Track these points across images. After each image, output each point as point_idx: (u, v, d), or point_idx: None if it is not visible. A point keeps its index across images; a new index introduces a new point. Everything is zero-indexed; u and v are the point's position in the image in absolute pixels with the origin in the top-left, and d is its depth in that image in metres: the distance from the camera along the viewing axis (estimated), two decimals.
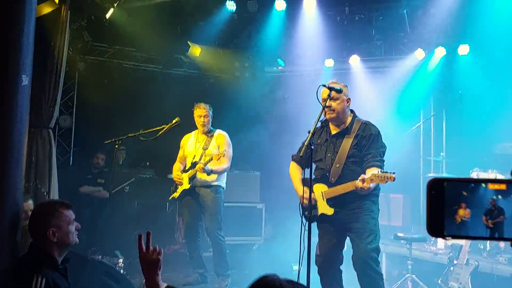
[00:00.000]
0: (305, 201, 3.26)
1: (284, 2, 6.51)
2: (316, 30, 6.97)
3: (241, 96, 7.68)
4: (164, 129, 4.97)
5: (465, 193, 0.84)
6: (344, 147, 3.34)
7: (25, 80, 2.83)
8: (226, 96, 7.58)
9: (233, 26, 6.95)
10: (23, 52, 2.85)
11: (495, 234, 0.83)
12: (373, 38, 7.13)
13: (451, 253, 4.69)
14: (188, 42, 6.95)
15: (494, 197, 0.83)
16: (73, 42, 6.39)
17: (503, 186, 0.83)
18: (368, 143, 3.30)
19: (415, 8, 6.58)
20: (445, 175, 6.84)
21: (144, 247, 1.99)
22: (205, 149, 4.71)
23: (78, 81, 7.19)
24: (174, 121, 4.98)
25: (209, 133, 4.82)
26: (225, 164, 4.63)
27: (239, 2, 6.46)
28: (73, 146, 7.19)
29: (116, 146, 5.04)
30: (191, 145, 4.86)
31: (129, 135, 5.08)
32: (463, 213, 0.83)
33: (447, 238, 0.85)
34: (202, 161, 4.59)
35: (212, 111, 4.87)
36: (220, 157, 4.42)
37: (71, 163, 7.13)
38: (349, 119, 3.44)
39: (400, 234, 5.10)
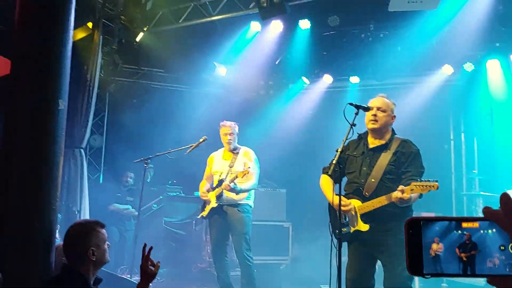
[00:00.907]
0: (344, 208, 3.18)
1: (308, 21, 6.57)
2: (341, 47, 6.99)
3: (266, 113, 7.74)
4: (192, 147, 5.05)
5: (438, 229, 0.87)
6: (381, 162, 3.24)
7: (62, 104, 2.95)
8: (251, 114, 7.65)
9: (258, 46, 7.05)
10: (60, 77, 2.97)
11: (468, 268, 0.85)
12: (399, 54, 7.09)
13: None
14: (214, 63, 7.09)
15: (467, 232, 0.86)
16: (104, 65, 6.62)
17: (476, 224, 0.86)
18: (407, 161, 3.21)
19: (441, 23, 6.51)
20: (478, 192, 6.66)
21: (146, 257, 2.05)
22: (231, 166, 4.73)
23: (108, 102, 7.41)
24: (201, 139, 5.06)
25: (235, 150, 4.85)
26: (252, 181, 4.63)
27: (264, 22, 6.55)
28: (103, 165, 7.36)
29: (145, 165, 5.14)
30: (217, 163, 4.89)
31: (158, 154, 5.19)
32: (436, 247, 0.86)
33: (426, 276, 0.87)
34: (228, 178, 4.61)
35: (238, 128, 4.90)
36: (245, 174, 4.42)
37: (101, 182, 7.29)
38: (388, 135, 3.35)
39: None
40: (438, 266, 0.86)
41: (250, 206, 4.76)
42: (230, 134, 4.78)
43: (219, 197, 4.65)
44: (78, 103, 5.56)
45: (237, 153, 4.80)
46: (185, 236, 6.85)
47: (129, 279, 5.13)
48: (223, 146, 5.09)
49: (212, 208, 4.69)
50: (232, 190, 4.47)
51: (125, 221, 6.56)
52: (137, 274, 5.53)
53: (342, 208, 3.16)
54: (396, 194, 2.97)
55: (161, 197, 6.83)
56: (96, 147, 7.31)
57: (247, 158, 4.77)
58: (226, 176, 4.68)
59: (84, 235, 2.54)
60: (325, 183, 3.49)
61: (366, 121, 3.35)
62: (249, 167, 4.53)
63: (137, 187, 6.95)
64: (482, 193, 6.49)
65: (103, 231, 2.62)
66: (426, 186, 2.93)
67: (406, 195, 2.94)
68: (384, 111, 3.29)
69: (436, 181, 2.94)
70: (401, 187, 2.98)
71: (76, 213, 5.52)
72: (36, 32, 2.95)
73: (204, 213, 4.80)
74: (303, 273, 6.57)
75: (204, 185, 4.93)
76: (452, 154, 7.51)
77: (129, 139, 7.35)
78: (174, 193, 7.00)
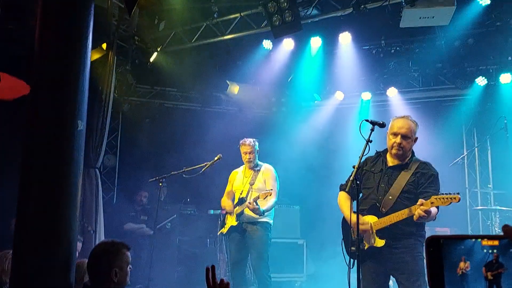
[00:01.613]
0: (362, 227, 3.16)
1: (320, 38, 6.62)
2: (352, 64, 7.02)
3: (278, 130, 7.76)
4: (207, 166, 5.07)
5: (462, 247, 0.88)
6: (400, 181, 3.26)
7: (81, 125, 2.99)
8: (264, 131, 7.67)
9: (270, 63, 7.11)
10: (79, 98, 3.02)
11: (494, 286, 0.86)
12: (410, 69, 7.11)
13: None
14: (227, 81, 7.15)
15: (495, 251, 0.87)
16: (118, 85, 6.71)
17: (495, 242, 0.88)
18: (426, 182, 3.23)
19: (452, 39, 6.53)
20: (494, 207, 6.56)
21: (211, 280, 2.00)
22: (251, 184, 4.74)
23: (122, 121, 7.48)
24: (216, 158, 5.08)
25: (256, 168, 4.86)
26: (272, 199, 4.63)
27: (276, 41, 6.63)
28: (117, 184, 7.40)
29: (160, 184, 5.16)
30: (238, 179, 4.90)
31: (173, 172, 5.20)
32: (464, 265, 0.87)
33: None
34: (249, 197, 4.61)
35: (257, 146, 4.92)
36: (267, 196, 4.42)
37: (115, 201, 7.32)
38: (409, 156, 3.38)
39: None
40: (463, 285, 0.86)
41: (270, 224, 4.75)
42: (250, 153, 4.81)
43: (239, 215, 4.65)
44: (93, 123, 5.62)
45: (258, 170, 4.82)
46: (200, 254, 6.83)
47: None
48: (238, 164, 5.11)
49: (232, 226, 4.68)
50: (255, 210, 4.45)
51: (140, 240, 6.55)
52: None
53: (360, 227, 3.14)
54: (416, 207, 2.99)
55: (175, 215, 6.83)
56: (110, 166, 7.36)
57: (268, 176, 4.78)
58: (248, 194, 4.68)
59: (110, 255, 2.55)
60: (343, 199, 3.50)
61: (389, 144, 3.36)
62: (271, 189, 4.54)
63: (151, 206, 6.97)
64: (498, 207, 6.40)
65: (128, 253, 2.63)
66: (447, 198, 2.92)
67: (424, 208, 2.94)
68: (409, 138, 3.30)
69: (458, 193, 2.93)
70: (420, 201, 2.99)
71: (92, 232, 5.54)
72: (56, 55, 3.01)
73: (224, 230, 4.79)
74: None
75: (225, 201, 4.93)
76: (465, 169, 7.45)
77: (142, 158, 7.40)
78: (188, 212, 7.00)
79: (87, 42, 3.09)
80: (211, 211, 6.94)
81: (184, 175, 5.18)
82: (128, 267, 2.56)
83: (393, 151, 3.32)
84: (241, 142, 4.90)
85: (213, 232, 6.89)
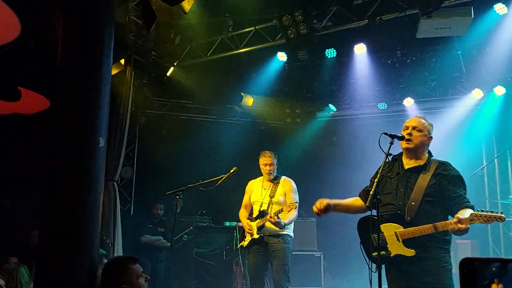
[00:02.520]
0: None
1: (335, 49, 6.63)
2: (368, 74, 7.01)
3: (293, 141, 7.76)
4: (223, 178, 5.06)
5: (495, 270, 0.90)
6: (420, 185, 3.10)
7: (102, 142, 3.02)
8: (279, 142, 7.68)
9: (284, 75, 7.14)
10: (100, 115, 3.05)
11: None
12: (427, 79, 7.06)
13: None
14: (241, 93, 7.19)
15: None
16: (135, 98, 6.79)
17: None
18: (451, 184, 3.06)
19: (469, 48, 6.48)
20: None
21: None
22: (271, 197, 4.72)
23: (138, 133, 7.56)
24: (232, 170, 5.08)
25: (275, 180, 4.85)
26: (294, 212, 4.62)
27: (290, 52, 6.65)
28: (134, 196, 7.46)
29: (177, 197, 5.17)
30: (257, 192, 4.88)
31: (190, 185, 5.22)
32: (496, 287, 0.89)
33: None
34: (270, 210, 4.60)
35: (277, 158, 4.92)
36: (291, 209, 4.42)
37: (132, 213, 7.37)
38: (425, 157, 3.23)
39: None
40: None
41: (291, 237, 4.74)
42: (270, 165, 4.81)
43: (260, 228, 4.63)
44: (111, 137, 5.70)
45: (277, 183, 4.80)
46: (216, 266, 6.81)
47: None
48: (253, 175, 5.11)
49: (253, 239, 4.67)
50: (277, 223, 4.44)
51: (157, 252, 6.57)
52: None
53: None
54: (453, 226, 2.80)
55: (191, 228, 6.84)
56: (127, 178, 7.42)
57: (288, 188, 4.77)
58: (268, 206, 4.67)
59: (116, 274, 2.58)
60: (354, 200, 3.46)
61: (402, 145, 3.26)
62: (296, 202, 4.53)
63: (167, 218, 7.00)
64: None
65: (136, 266, 2.63)
66: (490, 217, 2.73)
67: (463, 226, 2.76)
68: (420, 130, 3.19)
69: (502, 212, 2.74)
70: (457, 216, 2.80)
71: (110, 245, 5.58)
72: (78, 72, 3.05)
73: (245, 244, 4.78)
74: None
75: (243, 214, 4.91)
76: (485, 180, 7.33)
77: (159, 170, 7.46)
78: (204, 224, 7.01)
79: (109, 59, 3.14)
80: (227, 223, 6.94)
81: (200, 188, 5.19)
82: (140, 279, 2.57)
83: (403, 144, 3.19)
84: (261, 153, 4.91)
85: (229, 244, 6.88)
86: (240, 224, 6.97)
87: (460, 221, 2.76)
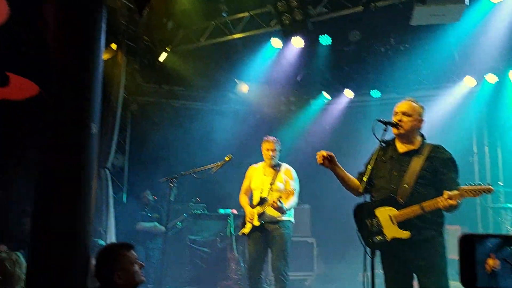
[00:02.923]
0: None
1: (329, 37, 6.59)
2: (361, 62, 7.00)
3: (287, 129, 7.74)
4: (218, 166, 5.06)
5: (492, 245, 0.95)
6: (413, 168, 3.12)
7: (94, 128, 2.99)
8: (273, 130, 7.64)
9: (279, 62, 7.10)
10: (92, 101, 3.02)
11: None
12: (419, 67, 7.07)
13: None
14: (236, 80, 7.14)
15: None
16: (127, 84, 6.71)
17: None
18: (444, 167, 3.08)
19: (462, 36, 6.48)
20: (505, 205, 6.54)
21: None
22: (272, 184, 4.72)
23: (130, 121, 7.50)
24: (226, 158, 5.07)
25: (276, 167, 4.85)
26: (294, 199, 4.64)
27: (284, 39, 6.60)
28: (126, 184, 7.42)
29: (171, 184, 5.16)
30: (257, 178, 4.87)
31: (183, 173, 5.20)
32: (493, 263, 0.94)
33: None
34: (270, 198, 4.61)
35: (280, 145, 4.92)
36: (289, 195, 4.44)
37: (124, 201, 7.34)
38: (418, 141, 3.24)
39: None
40: (493, 280, 0.93)
41: (292, 223, 4.77)
42: (273, 150, 4.81)
43: (261, 215, 4.65)
44: (103, 123, 5.62)
45: (278, 170, 4.81)
46: (210, 253, 6.84)
47: None
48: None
49: (254, 226, 4.68)
50: (279, 209, 4.46)
51: (151, 240, 6.57)
52: None
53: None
54: (444, 202, 2.83)
55: (185, 215, 6.84)
56: (119, 166, 7.37)
57: (288, 176, 4.78)
58: (268, 194, 4.68)
59: (109, 261, 2.56)
60: (353, 178, 3.44)
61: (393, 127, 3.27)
62: (294, 188, 4.55)
63: (161, 204, 6.99)
64: (509, 205, 6.36)
65: (130, 253, 2.61)
66: (478, 190, 2.76)
67: (453, 202, 2.79)
68: (409, 115, 3.19)
69: (489, 184, 2.77)
70: (446, 193, 2.83)
71: (102, 233, 5.56)
72: (69, 57, 3.00)
73: (246, 231, 4.78)
74: None
75: (244, 200, 4.91)
76: (475, 167, 7.41)
77: (151, 157, 7.42)
78: (198, 211, 7.01)
79: (100, 44, 3.09)
80: (221, 211, 6.95)
81: (194, 176, 5.18)
82: (134, 266, 2.56)
83: (394, 131, 3.21)
84: (265, 138, 4.91)
85: (223, 232, 6.90)
86: (234, 211, 7.00)
87: (450, 196, 2.80)
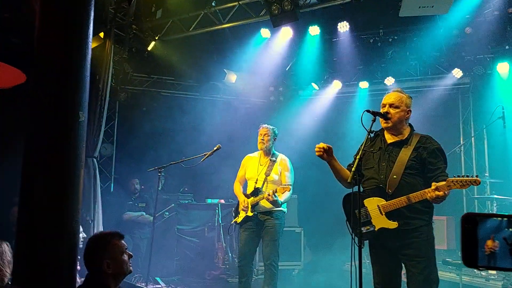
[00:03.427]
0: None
1: (318, 27, 6.59)
2: (350, 53, 7.01)
3: (276, 119, 7.73)
4: (206, 156, 5.05)
5: (494, 227, 0.94)
6: (401, 158, 3.14)
7: (82, 116, 2.96)
8: (261, 120, 7.63)
9: (268, 52, 7.08)
10: (80, 89, 2.98)
11: None
12: (408, 58, 7.11)
13: (505, 279, 4.50)
14: (224, 70, 7.11)
15: None
16: (115, 74, 6.65)
17: None
18: (432, 157, 3.09)
19: (450, 28, 6.52)
20: (490, 195, 6.63)
21: None
22: (267, 175, 4.72)
23: (118, 110, 7.44)
24: (215, 147, 5.06)
25: (272, 157, 4.84)
26: (288, 191, 4.64)
27: (273, 30, 6.58)
28: (114, 173, 7.38)
29: (159, 174, 5.15)
30: (253, 167, 4.86)
31: (172, 163, 5.19)
32: (492, 244, 0.94)
33: (480, 269, 0.95)
34: (265, 189, 4.61)
35: (275, 134, 4.91)
36: (285, 191, 4.44)
37: (112, 190, 7.31)
38: (407, 131, 3.26)
39: (449, 259, 4.93)
40: (493, 260, 0.93)
41: (284, 213, 4.77)
42: (265, 135, 4.79)
43: (254, 205, 4.65)
44: (91, 112, 5.59)
45: (274, 161, 4.80)
46: (198, 243, 6.86)
47: (144, 287, 5.13)
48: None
49: (247, 216, 4.69)
50: (274, 202, 4.47)
51: (139, 229, 6.56)
52: (152, 283, 5.55)
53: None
54: (431, 193, 2.84)
55: (173, 204, 6.84)
56: (107, 155, 7.32)
57: (283, 168, 4.77)
58: (263, 184, 4.67)
59: (99, 249, 2.54)
60: (345, 169, 3.42)
61: (380, 119, 3.28)
62: (289, 184, 4.55)
63: (148, 194, 6.98)
64: (494, 196, 6.46)
65: (121, 242, 2.60)
66: (466, 182, 2.77)
67: (441, 193, 2.81)
68: (396, 107, 3.20)
69: (477, 176, 2.79)
70: (434, 184, 2.84)
71: (90, 222, 5.54)
72: (57, 45, 2.96)
73: (238, 220, 4.79)
74: (317, 278, 6.58)
75: (239, 188, 4.90)
76: (462, 158, 7.51)
77: (139, 147, 7.37)
78: (186, 201, 7.01)
79: (88, 31, 3.05)
80: (209, 200, 6.96)
81: (183, 165, 5.17)
82: (124, 255, 2.55)
83: (383, 125, 3.23)
84: (261, 125, 4.92)
85: (211, 221, 6.92)
86: (222, 201, 7.01)
87: (437, 188, 2.81)
